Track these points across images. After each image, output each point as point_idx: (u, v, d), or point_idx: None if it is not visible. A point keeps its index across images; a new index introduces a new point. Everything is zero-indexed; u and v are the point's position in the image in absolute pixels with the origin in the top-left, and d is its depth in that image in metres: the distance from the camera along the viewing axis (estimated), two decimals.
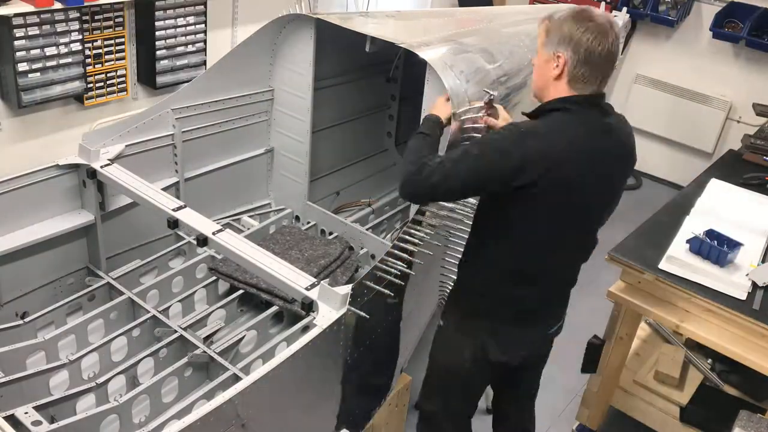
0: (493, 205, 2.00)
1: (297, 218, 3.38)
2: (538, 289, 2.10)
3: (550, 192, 1.88)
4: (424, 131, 2.08)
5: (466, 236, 2.40)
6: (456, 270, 2.31)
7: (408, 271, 2.21)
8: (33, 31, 3.13)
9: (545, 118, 1.94)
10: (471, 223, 2.33)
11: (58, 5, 3.15)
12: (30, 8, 3.05)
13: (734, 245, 2.78)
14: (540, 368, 2.44)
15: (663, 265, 2.80)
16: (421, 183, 1.91)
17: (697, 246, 2.78)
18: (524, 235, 1.98)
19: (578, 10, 1.90)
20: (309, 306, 2.05)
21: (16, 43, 3.09)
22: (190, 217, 2.38)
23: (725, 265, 2.72)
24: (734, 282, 2.71)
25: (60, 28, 3.22)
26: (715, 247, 2.73)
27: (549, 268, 2.08)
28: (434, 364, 2.33)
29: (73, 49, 3.31)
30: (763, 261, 2.86)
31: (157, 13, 3.60)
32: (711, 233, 2.82)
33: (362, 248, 3.16)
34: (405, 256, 2.22)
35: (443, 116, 2.17)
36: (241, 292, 2.77)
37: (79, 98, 3.50)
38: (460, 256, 2.29)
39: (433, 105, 2.27)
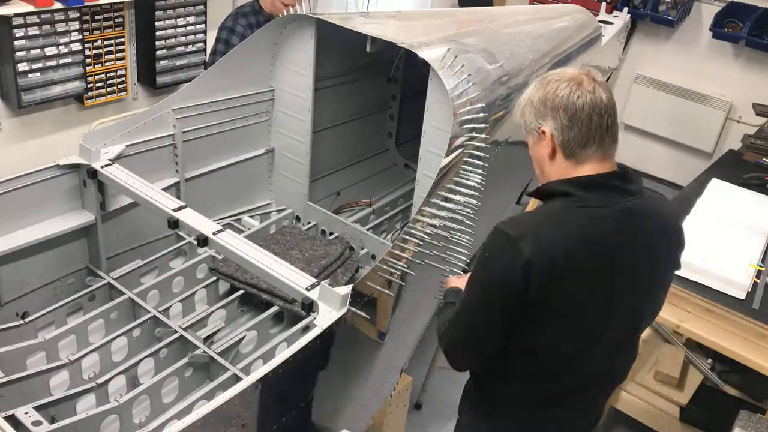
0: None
1: (297, 218, 3.38)
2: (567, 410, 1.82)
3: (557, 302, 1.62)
4: (450, 301, 1.89)
5: (467, 236, 2.40)
6: (455, 269, 2.31)
7: (408, 271, 2.22)
8: (33, 31, 3.13)
9: (541, 209, 1.68)
10: (471, 223, 2.33)
11: (58, 5, 3.15)
12: (30, 8, 3.05)
13: None
14: None
15: None
16: (449, 347, 1.75)
17: None
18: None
19: (542, 77, 1.69)
20: (309, 306, 2.05)
21: (16, 43, 3.09)
22: (190, 217, 2.38)
23: None
24: (734, 282, 2.72)
25: (60, 28, 3.23)
26: None
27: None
28: None
29: (73, 49, 3.32)
30: (762, 261, 2.87)
31: (157, 13, 3.60)
32: None
33: (363, 248, 3.16)
34: (406, 256, 2.22)
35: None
36: (241, 292, 2.76)
37: (79, 98, 3.50)
38: (460, 256, 2.29)
39: (450, 280, 2.07)
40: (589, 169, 1.62)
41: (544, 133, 1.64)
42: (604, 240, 1.60)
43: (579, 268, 1.58)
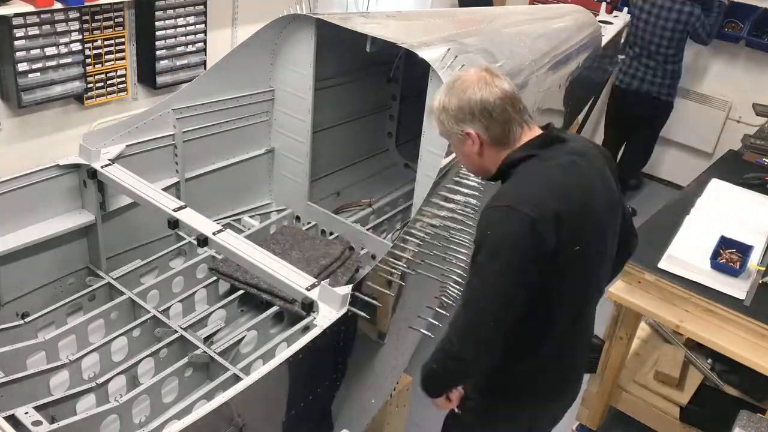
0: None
1: (297, 218, 3.38)
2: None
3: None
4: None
5: (467, 236, 2.40)
6: (455, 269, 2.31)
7: (408, 271, 2.21)
8: (33, 31, 3.13)
9: (513, 177, 1.75)
10: (471, 223, 2.33)
11: (58, 5, 3.15)
12: (30, 8, 3.05)
13: (746, 249, 2.82)
14: None
15: (663, 264, 2.80)
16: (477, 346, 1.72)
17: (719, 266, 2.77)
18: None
19: (448, 83, 1.78)
20: (309, 306, 2.05)
21: (16, 43, 3.09)
22: (190, 217, 2.38)
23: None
24: (734, 282, 2.71)
25: (60, 28, 3.22)
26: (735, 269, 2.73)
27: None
28: None
29: (73, 49, 3.31)
30: (762, 261, 2.87)
31: (157, 13, 3.59)
32: (727, 242, 2.84)
33: (363, 248, 3.16)
34: (406, 256, 2.22)
35: None
36: (241, 292, 2.77)
37: (79, 98, 3.50)
38: (460, 257, 2.28)
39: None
40: (525, 140, 1.76)
41: (468, 134, 1.74)
42: (580, 183, 1.74)
43: (574, 211, 1.69)
